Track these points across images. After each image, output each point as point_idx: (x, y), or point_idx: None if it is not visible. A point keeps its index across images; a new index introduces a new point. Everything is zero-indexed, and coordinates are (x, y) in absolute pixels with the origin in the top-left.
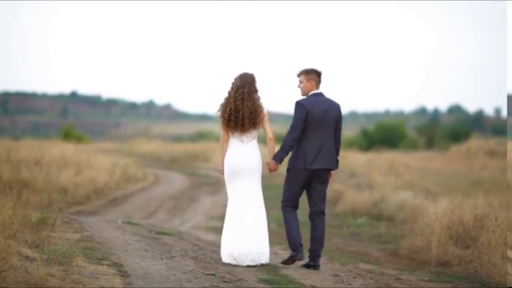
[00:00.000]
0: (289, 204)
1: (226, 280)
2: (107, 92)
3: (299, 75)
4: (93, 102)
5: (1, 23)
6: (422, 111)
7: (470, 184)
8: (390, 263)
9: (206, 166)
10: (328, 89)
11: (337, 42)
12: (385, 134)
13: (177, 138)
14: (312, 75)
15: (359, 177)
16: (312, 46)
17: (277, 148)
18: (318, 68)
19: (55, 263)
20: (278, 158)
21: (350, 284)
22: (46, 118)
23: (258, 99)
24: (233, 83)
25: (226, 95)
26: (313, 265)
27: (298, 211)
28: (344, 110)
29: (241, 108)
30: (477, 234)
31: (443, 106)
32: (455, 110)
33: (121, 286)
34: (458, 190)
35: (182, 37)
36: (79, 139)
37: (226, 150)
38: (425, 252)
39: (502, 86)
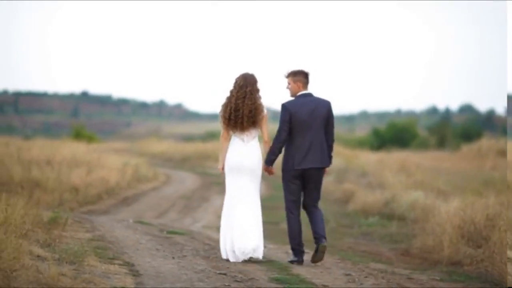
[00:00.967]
0: (291, 204)
1: (238, 280)
2: (118, 91)
3: (287, 77)
4: (104, 101)
5: (14, 23)
6: (433, 111)
7: (481, 183)
8: (402, 263)
9: (217, 166)
10: (339, 89)
11: (348, 41)
12: (396, 133)
13: (188, 138)
14: (299, 77)
15: (370, 177)
16: (323, 47)
17: None
18: (306, 69)
19: (66, 263)
20: (268, 161)
21: (361, 284)
22: (57, 117)
23: (259, 98)
24: (235, 83)
25: (228, 94)
26: (317, 245)
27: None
28: (355, 109)
29: (241, 107)
30: (488, 234)
31: (454, 106)
32: (467, 109)
33: (132, 286)
34: (469, 189)
35: (193, 37)
36: (90, 139)
37: (226, 149)
38: (437, 251)
39: (502, 86)
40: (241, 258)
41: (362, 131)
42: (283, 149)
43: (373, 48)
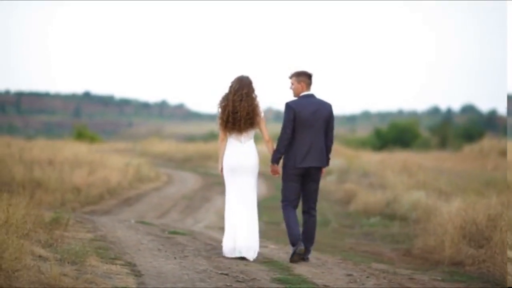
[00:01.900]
0: (288, 203)
1: (240, 280)
2: (120, 92)
3: (290, 77)
4: (106, 102)
5: (17, 23)
6: (435, 111)
7: (483, 184)
8: (403, 263)
9: (218, 166)
10: (341, 89)
11: (350, 42)
12: (398, 134)
13: (190, 138)
14: (302, 77)
15: (372, 177)
16: (325, 47)
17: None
18: (309, 71)
19: (68, 263)
20: (274, 159)
21: (363, 284)
22: (59, 118)
23: (256, 99)
24: (231, 86)
25: (224, 95)
26: (302, 258)
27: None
28: (357, 110)
29: (239, 110)
30: (490, 234)
31: (456, 106)
32: (468, 109)
33: (134, 286)
34: (471, 190)
35: (195, 37)
36: (92, 139)
37: (224, 151)
38: (438, 251)
39: (503, 86)
40: (235, 255)
41: (363, 131)
42: None
43: (375, 48)
